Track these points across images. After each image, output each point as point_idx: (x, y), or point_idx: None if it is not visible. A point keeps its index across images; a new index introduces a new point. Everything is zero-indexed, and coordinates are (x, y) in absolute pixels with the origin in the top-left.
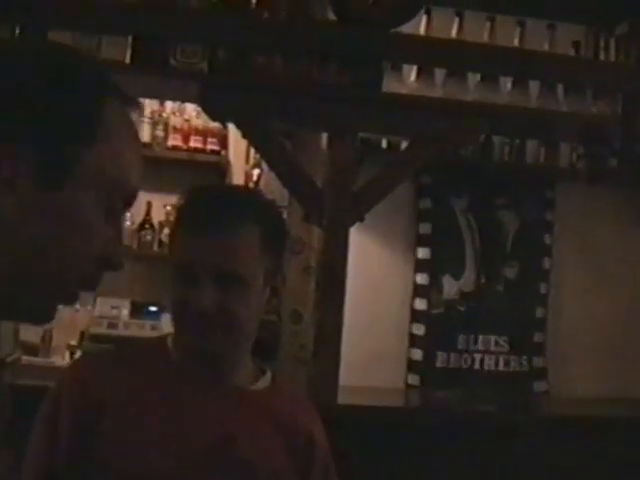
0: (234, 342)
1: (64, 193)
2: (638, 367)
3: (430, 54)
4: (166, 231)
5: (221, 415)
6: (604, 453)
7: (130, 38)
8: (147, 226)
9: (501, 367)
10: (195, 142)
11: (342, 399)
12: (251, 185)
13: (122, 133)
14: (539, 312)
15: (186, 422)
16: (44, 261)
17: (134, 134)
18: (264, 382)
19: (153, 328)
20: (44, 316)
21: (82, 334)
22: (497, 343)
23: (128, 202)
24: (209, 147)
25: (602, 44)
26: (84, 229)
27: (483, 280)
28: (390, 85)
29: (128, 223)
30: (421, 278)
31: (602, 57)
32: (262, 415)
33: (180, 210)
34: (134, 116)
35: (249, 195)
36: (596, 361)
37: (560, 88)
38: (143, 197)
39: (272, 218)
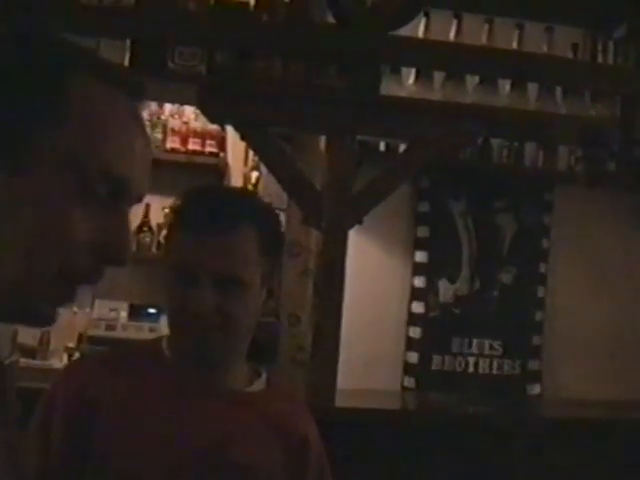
0: (231, 344)
1: (31, 180)
2: (635, 370)
3: (429, 57)
4: (165, 233)
5: (216, 417)
6: (599, 455)
7: (128, 41)
8: (145, 228)
9: (495, 370)
10: (194, 144)
11: (340, 401)
12: (249, 187)
13: (101, 114)
14: (536, 315)
15: (181, 424)
16: (28, 256)
17: (123, 116)
18: (259, 384)
19: (152, 330)
20: (43, 318)
21: (80, 336)
22: (491, 347)
23: (124, 192)
24: (208, 149)
25: (600, 47)
26: (57, 217)
27: (478, 284)
28: (389, 88)
29: None
30: (418, 281)
31: (600, 60)
32: (257, 417)
33: (177, 212)
34: (131, 98)
35: (246, 197)
36: (592, 364)
37: (559, 91)
38: None
39: (269, 220)
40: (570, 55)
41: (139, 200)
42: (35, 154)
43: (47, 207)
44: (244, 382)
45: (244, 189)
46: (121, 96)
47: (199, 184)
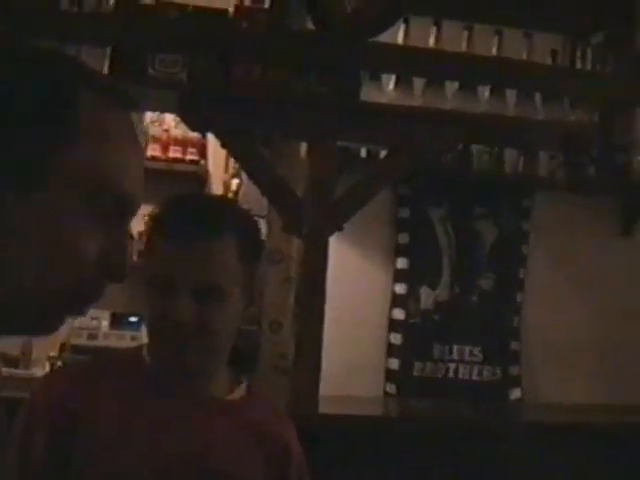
0: (211, 352)
1: (45, 197)
2: (614, 373)
3: (409, 63)
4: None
5: (197, 425)
6: (581, 458)
7: (109, 48)
8: None
9: (475, 376)
10: (174, 152)
11: (322, 408)
12: (230, 195)
13: (107, 131)
14: (514, 321)
15: (162, 432)
16: (37, 271)
17: (125, 132)
18: (240, 392)
19: (133, 339)
20: (49, 329)
21: (62, 345)
22: (471, 353)
23: (127, 208)
24: (188, 157)
25: (579, 53)
26: (70, 234)
27: (458, 290)
28: (369, 94)
29: None
30: (399, 288)
31: (579, 66)
32: (237, 425)
33: (156, 220)
34: (129, 113)
35: (225, 205)
36: (572, 368)
37: (538, 96)
38: None
39: (249, 228)
40: (549, 61)
41: (135, 213)
42: (49, 172)
43: (59, 224)
44: (225, 390)
45: (223, 197)
46: (123, 113)
47: (179, 192)
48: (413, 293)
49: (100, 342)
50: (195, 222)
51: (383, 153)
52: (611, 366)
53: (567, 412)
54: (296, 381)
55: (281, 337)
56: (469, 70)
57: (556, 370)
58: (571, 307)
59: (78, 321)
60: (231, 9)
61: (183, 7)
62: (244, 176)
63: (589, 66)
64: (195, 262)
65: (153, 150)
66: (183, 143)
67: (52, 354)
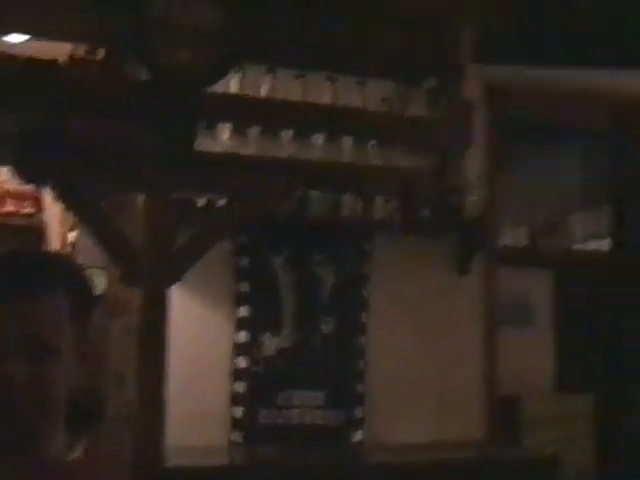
0: (45, 414)
1: None
2: (456, 412)
3: (244, 112)
4: None
5: None
6: None
7: None
8: None
9: (319, 421)
10: (10, 205)
11: (168, 460)
12: (68, 248)
13: None
14: (357, 364)
15: None
16: None
17: None
18: (78, 451)
19: None
20: None
21: None
22: (315, 397)
23: None
24: (24, 210)
25: (411, 98)
26: None
27: (300, 336)
28: (204, 144)
29: None
30: (242, 336)
31: (412, 111)
32: None
33: None
34: None
35: (53, 260)
36: (415, 408)
37: (373, 142)
38: None
39: (79, 282)
40: (382, 108)
41: None
42: None
43: None
44: (62, 451)
45: (51, 252)
46: None
47: (14, 247)
48: (255, 341)
49: None
50: (22, 279)
51: (221, 202)
52: (449, 404)
53: (409, 451)
54: (140, 433)
55: (124, 389)
56: (303, 118)
57: (398, 410)
58: (412, 348)
59: None
60: (63, 59)
61: (12, 58)
62: (82, 228)
63: (422, 111)
64: (24, 321)
65: None
66: (18, 196)
67: None
